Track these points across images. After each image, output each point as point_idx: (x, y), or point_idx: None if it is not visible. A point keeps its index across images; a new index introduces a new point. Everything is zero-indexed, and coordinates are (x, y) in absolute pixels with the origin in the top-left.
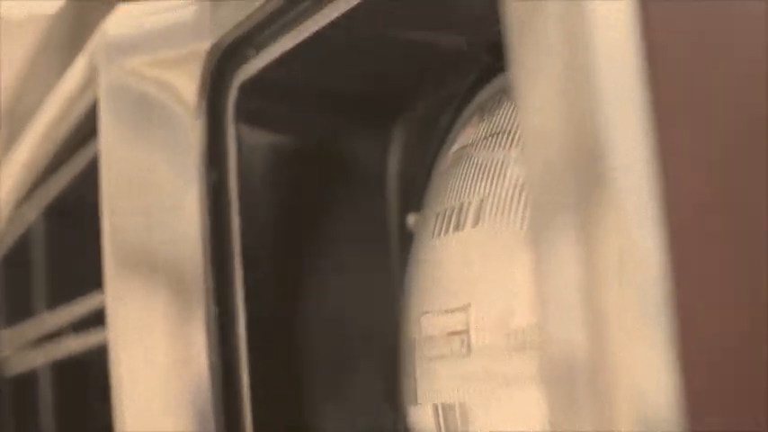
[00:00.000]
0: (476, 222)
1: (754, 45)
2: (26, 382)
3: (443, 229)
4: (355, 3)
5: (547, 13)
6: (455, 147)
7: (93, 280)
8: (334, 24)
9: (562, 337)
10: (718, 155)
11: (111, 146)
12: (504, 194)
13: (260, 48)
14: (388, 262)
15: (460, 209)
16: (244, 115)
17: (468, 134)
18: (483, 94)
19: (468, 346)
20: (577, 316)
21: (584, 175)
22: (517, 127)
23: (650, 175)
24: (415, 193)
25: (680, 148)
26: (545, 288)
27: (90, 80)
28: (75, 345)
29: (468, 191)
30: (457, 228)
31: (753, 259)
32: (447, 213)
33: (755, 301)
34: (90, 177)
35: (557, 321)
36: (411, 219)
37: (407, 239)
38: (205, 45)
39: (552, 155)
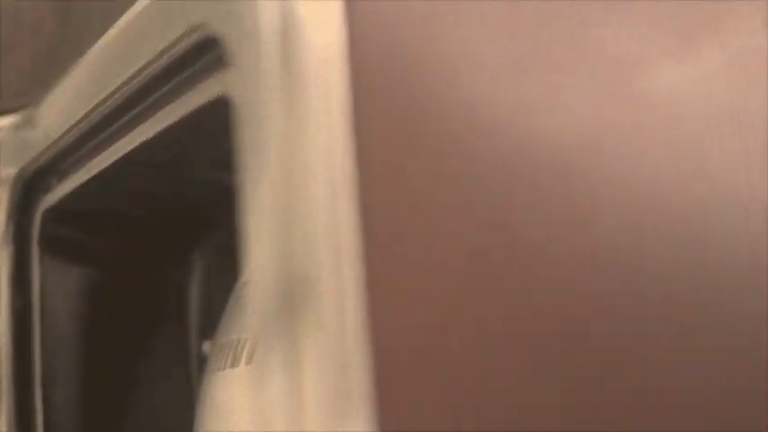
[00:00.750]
0: (249, 360)
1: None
2: None
3: (224, 363)
4: (142, 140)
5: (268, 158)
6: (243, 280)
7: None
8: (126, 158)
9: None
10: (431, 287)
11: None
12: None
13: (62, 177)
14: (189, 388)
15: (237, 344)
16: (46, 243)
17: None
18: None
19: None
20: None
21: (293, 303)
22: None
23: (358, 308)
24: (214, 320)
25: (388, 280)
26: (258, 410)
27: None
28: None
29: (246, 326)
30: (233, 364)
31: (454, 380)
32: (228, 347)
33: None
34: None
35: None
36: (206, 346)
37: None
38: (11, 172)
39: (267, 287)
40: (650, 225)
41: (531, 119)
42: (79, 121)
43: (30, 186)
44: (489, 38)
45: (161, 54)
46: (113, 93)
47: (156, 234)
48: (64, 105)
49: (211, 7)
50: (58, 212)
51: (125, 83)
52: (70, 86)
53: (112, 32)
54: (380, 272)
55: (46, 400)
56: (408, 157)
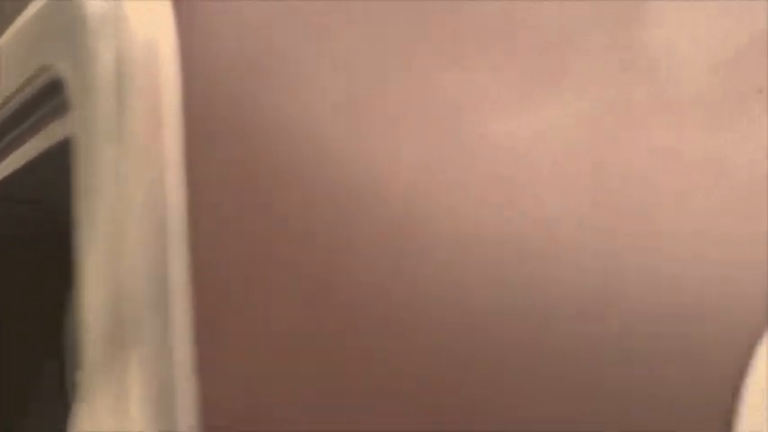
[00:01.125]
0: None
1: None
2: None
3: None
4: (4, 176)
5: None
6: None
7: None
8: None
9: None
10: (260, 329)
11: None
12: None
13: None
14: (68, 416)
15: None
16: None
17: None
18: None
19: None
20: None
21: (120, 344)
22: None
23: (184, 349)
24: None
25: (215, 320)
26: None
27: None
28: None
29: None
30: None
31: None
32: None
33: None
34: None
35: None
36: (78, 377)
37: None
38: None
39: (97, 327)
40: (476, 279)
41: (362, 157)
42: None
43: None
44: (330, 72)
45: (15, 93)
46: None
47: (34, 267)
48: None
49: (56, 49)
50: None
51: None
52: None
53: None
54: (208, 313)
55: None
56: (240, 196)
